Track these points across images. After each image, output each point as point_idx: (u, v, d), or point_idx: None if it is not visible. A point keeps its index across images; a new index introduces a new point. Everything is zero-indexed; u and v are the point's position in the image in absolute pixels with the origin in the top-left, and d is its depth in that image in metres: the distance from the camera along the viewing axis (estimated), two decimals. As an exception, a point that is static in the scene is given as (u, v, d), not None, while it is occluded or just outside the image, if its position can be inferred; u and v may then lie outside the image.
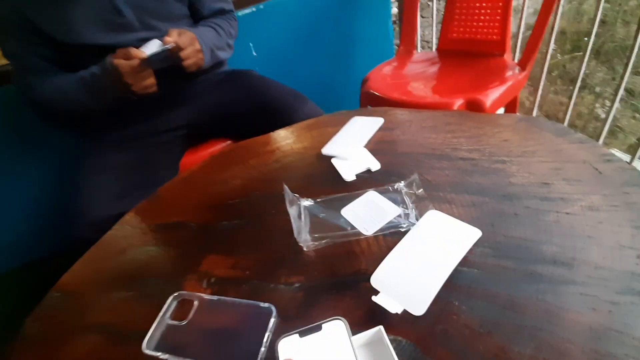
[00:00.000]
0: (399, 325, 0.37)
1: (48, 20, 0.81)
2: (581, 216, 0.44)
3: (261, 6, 1.31)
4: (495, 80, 1.08)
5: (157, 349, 0.40)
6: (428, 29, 1.87)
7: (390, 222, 0.49)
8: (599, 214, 0.44)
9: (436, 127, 0.68)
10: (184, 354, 0.39)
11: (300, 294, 0.43)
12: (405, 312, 0.37)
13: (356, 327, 0.36)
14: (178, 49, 0.81)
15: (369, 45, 1.63)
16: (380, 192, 0.54)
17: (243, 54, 1.34)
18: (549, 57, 1.32)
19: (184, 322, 0.42)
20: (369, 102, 1.20)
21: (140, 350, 0.39)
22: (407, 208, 0.50)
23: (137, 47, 0.79)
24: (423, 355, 0.35)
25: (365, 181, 0.58)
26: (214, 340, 0.41)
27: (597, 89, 2.12)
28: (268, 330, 0.39)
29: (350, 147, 0.65)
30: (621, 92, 1.13)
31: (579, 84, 1.28)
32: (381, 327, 0.36)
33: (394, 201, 0.52)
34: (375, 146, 0.66)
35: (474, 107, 1.01)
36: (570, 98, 1.33)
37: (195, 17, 1.00)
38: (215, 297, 0.44)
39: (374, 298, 0.39)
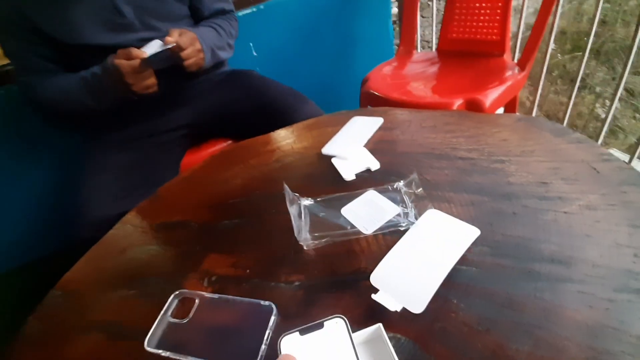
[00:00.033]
0: (398, 322, 0.38)
1: (48, 20, 0.81)
2: (579, 215, 0.44)
3: (261, 6, 1.32)
4: (495, 81, 1.08)
5: (158, 346, 0.40)
6: (428, 29, 1.88)
7: (389, 221, 0.49)
8: (597, 213, 0.44)
9: (435, 127, 0.68)
10: (185, 351, 0.39)
11: (300, 292, 0.44)
12: (404, 310, 0.38)
13: (356, 325, 0.36)
14: (179, 48, 0.81)
15: (369, 45, 1.63)
16: (380, 192, 0.54)
17: (243, 54, 1.34)
18: (548, 57, 1.33)
19: (185, 320, 0.42)
20: (369, 102, 1.20)
21: (141, 348, 0.40)
22: (406, 207, 0.51)
23: (138, 47, 0.79)
24: (422, 353, 0.35)
25: (365, 180, 0.59)
26: (215, 338, 0.41)
27: (598, 89, 2.13)
28: (268, 328, 0.39)
29: (350, 147, 0.66)
30: (620, 92, 1.13)
31: (578, 83, 1.28)
32: (380, 325, 0.37)
33: (394, 200, 0.52)
34: (374, 146, 0.67)
35: (473, 107, 1.01)
36: (570, 98, 1.33)
37: (196, 18, 1.00)
38: (216, 296, 0.44)
39: (373, 296, 0.39)
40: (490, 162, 0.56)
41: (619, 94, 1.14)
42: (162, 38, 0.82)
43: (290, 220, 0.50)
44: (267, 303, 0.41)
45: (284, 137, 0.77)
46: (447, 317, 0.37)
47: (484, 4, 1.23)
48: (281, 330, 0.36)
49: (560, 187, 0.49)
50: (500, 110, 1.26)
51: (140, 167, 0.90)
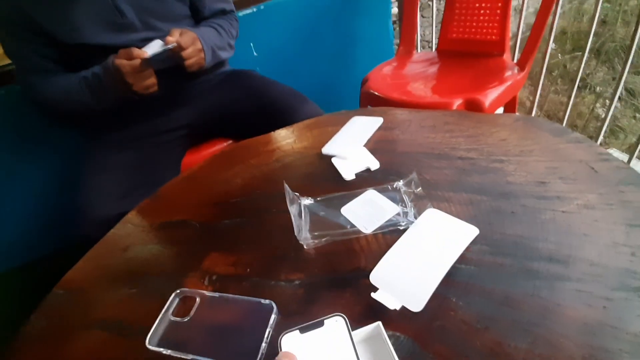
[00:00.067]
0: (398, 321, 0.38)
1: (49, 20, 0.81)
2: (577, 214, 0.45)
3: (262, 6, 1.32)
4: (494, 81, 1.08)
5: (160, 344, 0.40)
6: (428, 29, 1.88)
7: (389, 220, 0.49)
8: (595, 212, 0.44)
9: (435, 127, 0.68)
10: (186, 349, 0.39)
11: (300, 290, 0.44)
12: (403, 308, 0.38)
13: (355, 323, 0.37)
14: (180, 48, 0.82)
15: (369, 45, 1.63)
16: (380, 191, 0.54)
17: (244, 54, 1.34)
18: (547, 57, 1.33)
19: (186, 319, 0.43)
20: (369, 102, 1.20)
21: (143, 346, 0.40)
22: (405, 206, 0.51)
23: (139, 47, 0.80)
24: (421, 350, 0.35)
25: (365, 180, 0.59)
26: (216, 336, 0.41)
27: (598, 89, 2.13)
28: (269, 326, 0.39)
29: (350, 147, 0.66)
30: (619, 92, 1.13)
31: (577, 83, 1.29)
32: (380, 323, 0.37)
33: (393, 200, 0.52)
34: (374, 145, 0.67)
35: (472, 107, 1.02)
36: (570, 97, 1.33)
37: (197, 18, 1.01)
38: (216, 294, 0.45)
39: (373, 295, 0.39)
40: (489, 161, 0.56)
41: (618, 94, 1.14)
42: (163, 38, 0.82)
43: (291, 220, 0.50)
44: (267, 301, 0.42)
45: (284, 137, 0.78)
46: (446, 315, 0.38)
47: (483, 4, 1.23)
48: (281, 328, 0.36)
49: (559, 187, 0.49)
50: (500, 110, 1.26)
51: (140, 167, 0.91)
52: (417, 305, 0.38)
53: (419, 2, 1.40)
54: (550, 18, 1.11)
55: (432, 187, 0.54)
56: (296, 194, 0.54)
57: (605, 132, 1.25)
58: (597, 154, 0.53)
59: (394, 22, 1.72)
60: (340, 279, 0.44)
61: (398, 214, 0.50)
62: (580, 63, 1.25)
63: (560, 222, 0.44)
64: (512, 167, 0.54)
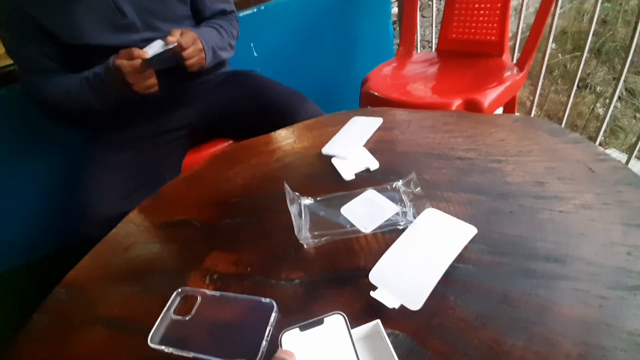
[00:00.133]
0: (397, 319, 0.38)
1: (51, 20, 0.82)
2: (574, 214, 0.45)
3: (262, 7, 1.33)
4: (494, 81, 1.09)
5: (161, 343, 0.41)
6: (428, 29, 1.88)
7: (388, 220, 0.50)
8: (592, 212, 0.45)
9: (434, 127, 0.69)
10: (187, 347, 0.40)
11: (300, 289, 0.45)
12: (402, 306, 0.38)
13: (355, 321, 0.37)
14: (180, 48, 0.82)
15: (369, 45, 1.64)
16: (379, 191, 0.55)
17: (244, 54, 1.35)
18: (547, 56, 1.33)
19: (188, 317, 0.43)
20: (369, 102, 1.21)
21: (145, 344, 0.41)
22: (405, 206, 0.51)
23: (140, 47, 0.80)
24: (419, 348, 0.36)
25: (365, 180, 0.59)
26: (217, 335, 0.42)
27: (598, 89, 2.13)
28: (269, 324, 0.40)
29: (350, 147, 0.66)
30: (618, 92, 1.14)
31: (577, 83, 1.29)
32: (379, 321, 0.37)
33: (393, 199, 0.53)
34: (374, 146, 0.67)
35: (472, 107, 1.02)
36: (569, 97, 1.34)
37: (197, 18, 1.01)
38: (217, 293, 0.45)
39: (372, 293, 0.40)
40: (487, 161, 0.57)
41: (617, 94, 1.15)
42: (163, 38, 0.82)
43: (291, 219, 0.51)
44: (268, 300, 0.42)
45: (285, 137, 0.78)
46: (444, 314, 0.38)
47: (483, 5, 1.23)
48: (282, 326, 0.37)
49: (557, 187, 0.49)
50: (499, 111, 1.27)
51: (141, 167, 0.91)
52: (415, 303, 0.38)
53: (419, 2, 1.40)
54: (549, 18, 1.11)
55: (431, 187, 0.54)
56: (296, 193, 0.55)
57: (605, 131, 1.26)
58: (594, 154, 0.53)
59: (394, 22, 1.72)
60: (340, 278, 0.45)
61: (397, 214, 0.50)
62: (580, 63, 1.26)
63: (557, 221, 0.45)
64: (511, 167, 0.55)
